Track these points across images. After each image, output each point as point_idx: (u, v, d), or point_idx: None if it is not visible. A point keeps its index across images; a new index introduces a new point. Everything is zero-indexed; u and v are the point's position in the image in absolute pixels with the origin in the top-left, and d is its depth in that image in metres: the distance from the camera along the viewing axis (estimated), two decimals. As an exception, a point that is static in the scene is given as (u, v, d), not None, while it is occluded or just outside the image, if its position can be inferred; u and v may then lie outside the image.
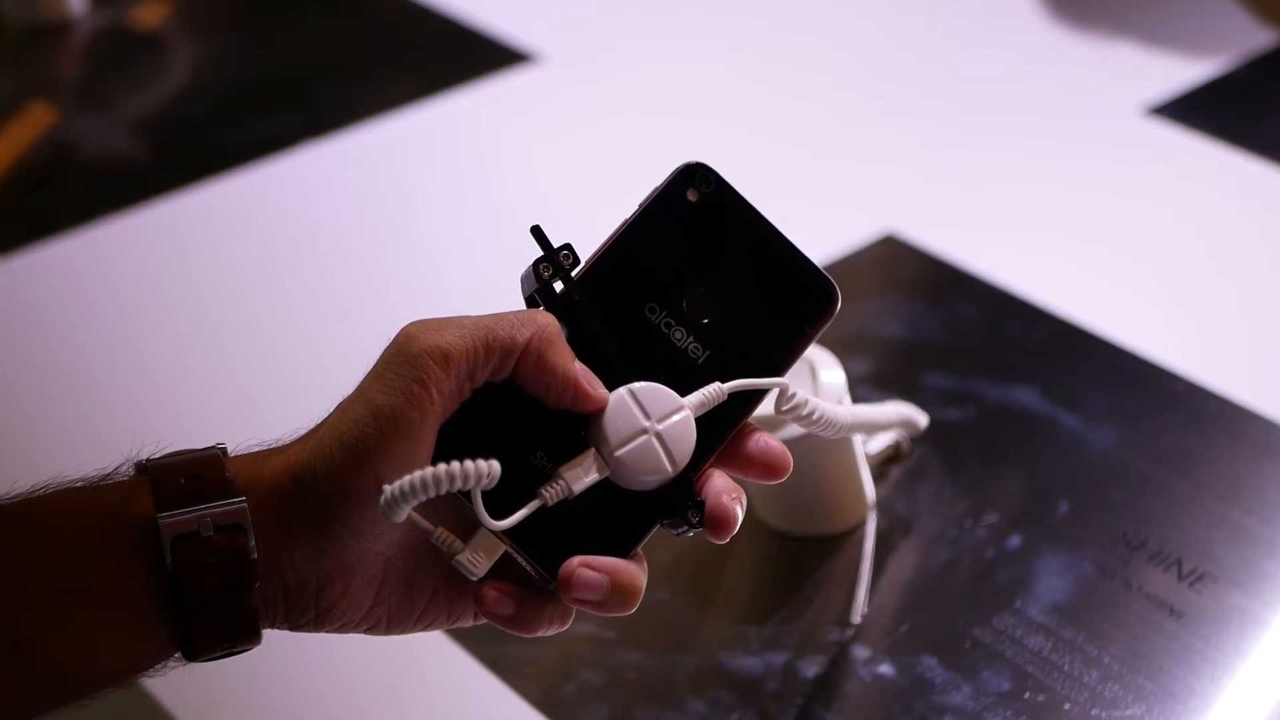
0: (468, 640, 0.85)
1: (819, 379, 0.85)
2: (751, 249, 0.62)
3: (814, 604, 0.86)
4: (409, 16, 1.50)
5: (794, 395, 0.62)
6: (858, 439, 0.88)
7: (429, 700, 0.83)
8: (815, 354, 0.86)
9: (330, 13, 1.54)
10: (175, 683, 0.84)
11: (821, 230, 1.14)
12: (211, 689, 0.84)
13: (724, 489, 0.60)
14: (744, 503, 0.60)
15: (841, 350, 0.88)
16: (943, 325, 1.06)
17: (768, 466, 0.61)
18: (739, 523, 0.60)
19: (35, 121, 1.37)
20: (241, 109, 1.37)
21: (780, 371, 0.62)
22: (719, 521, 0.60)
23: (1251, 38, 1.36)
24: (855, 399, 0.90)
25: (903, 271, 1.12)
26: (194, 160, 1.29)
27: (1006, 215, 1.17)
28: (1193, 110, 1.27)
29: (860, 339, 1.04)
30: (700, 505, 0.60)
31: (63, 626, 0.57)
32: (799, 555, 0.89)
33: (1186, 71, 1.32)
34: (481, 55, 1.41)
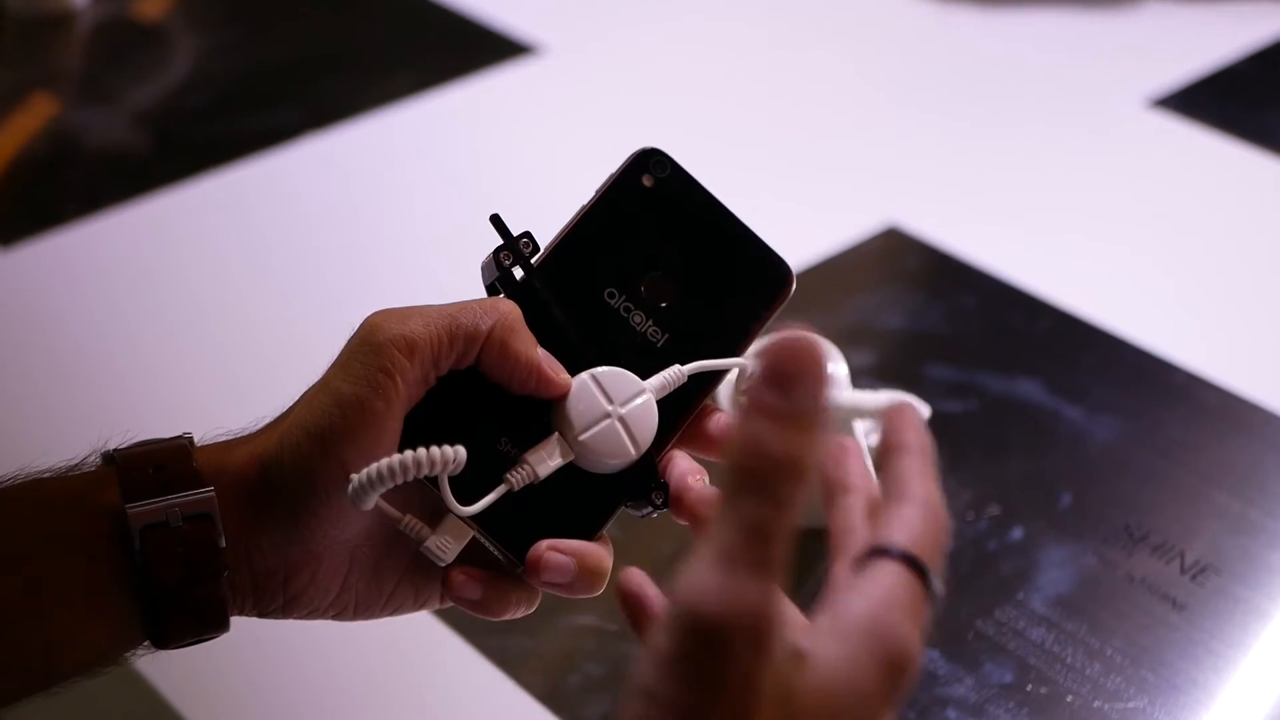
0: (470, 632, 0.85)
1: (821, 371, 0.84)
2: (707, 233, 0.63)
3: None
4: (410, 8, 1.50)
5: (754, 374, 0.63)
6: (859, 431, 0.88)
7: (430, 692, 0.83)
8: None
9: (331, 5, 1.54)
10: (176, 672, 0.84)
11: (824, 222, 1.14)
12: (211, 681, 0.84)
13: (687, 470, 0.61)
14: (707, 482, 0.61)
15: (843, 342, 0.88)
16: (945, 317, 1.06)
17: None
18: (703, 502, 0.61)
19: (37, 113, 1.37)
20: (243, 101, 1.37)
21: (738, 352, 0.62)
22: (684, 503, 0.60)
23: (1254, 30, 1.36)
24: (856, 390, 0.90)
25: (905, 263, 1.12)
26: (196, 152, 1.29)
27: (1009, 207, 1.17)
28: (1195, 102, 1.27)
29: (862, 331, 1.04)
30: (664, 487, 0.61)
31: (32, 616, 0.57)
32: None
33: (1189, 64, 1.32)
34: (483, 47, 1.41)
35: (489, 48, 1.41)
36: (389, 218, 1.22)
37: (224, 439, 0.62)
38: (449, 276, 1.13)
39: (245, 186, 1.25)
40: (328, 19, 1.51)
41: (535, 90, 1.35)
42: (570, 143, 1.28)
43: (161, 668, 0.83)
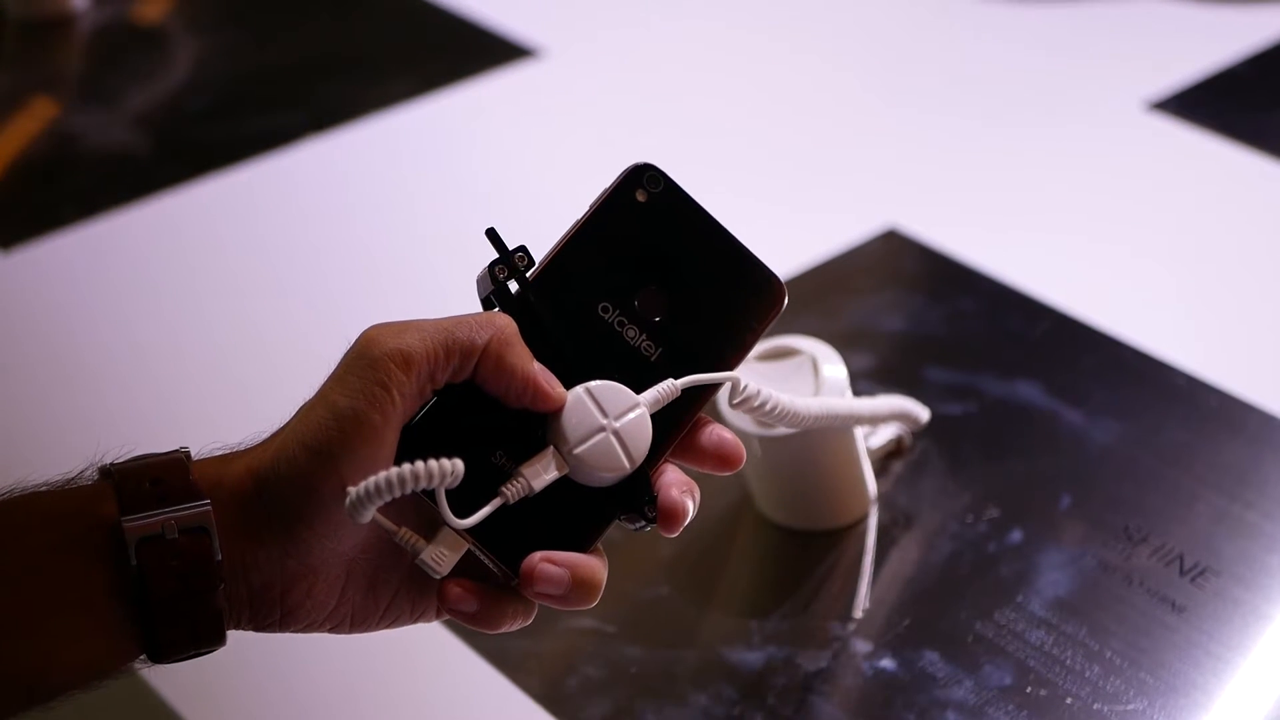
0: (469, 634, 0.85)
1: (821, 373, 0.85)
2: (699, 248, 0.63)
3: (816, 598, 0.86)
4: (410, 11, 1.50)
5: (746, 388, 0.63)
6: (859, 433, 0.88)
7: (430, 694, 0.84)
8: (817, 348, 0.86)
9: (332, 8, 1.54)
10: (178, 674, 0.84)
11: (823, 225, 1.14)
12: (212, 682, 0.84)
13: (675, 483, 0.61)
14: (696, 496, 0.62)
15: (843, 345, 0.88)
16: (944, 320, 1.06)
17: (722, 458, 0.62)
18: (690, 516, 0.61)
19: (38, 116, 1.37)
20: (243, 104, 1.37)
21: (730, 366, 0.63)
22: (669, 515, 0.61)
23: (1253, 33, 1.36)
24: (857, 393, 0.90)
25: (904, 266, 1.12)
26: (196, 155, 1.29)
27: (1008, 210, 1.17)
28: (1194, 105, 1.27)
29: (862, 334, 1.04)
30: (655, 500, 0.61)
31: (28, 629, 0.57)
32: (801, 549, 0.89)
33: (1188, 66, 1.32)
34: (484, 50, 1.41)
35: (489, 51, 1.41)
36: (389, 220, 1.22)
37: (220, 452, 0.62)
38: (450, 278, 1.14)
39: (246, 189, 1.25)
40: (328, 22, 1.51)
41: (535, 93, 1.36)
42: (570, 145, 1.28)
43: (163, 669, 0.83)
